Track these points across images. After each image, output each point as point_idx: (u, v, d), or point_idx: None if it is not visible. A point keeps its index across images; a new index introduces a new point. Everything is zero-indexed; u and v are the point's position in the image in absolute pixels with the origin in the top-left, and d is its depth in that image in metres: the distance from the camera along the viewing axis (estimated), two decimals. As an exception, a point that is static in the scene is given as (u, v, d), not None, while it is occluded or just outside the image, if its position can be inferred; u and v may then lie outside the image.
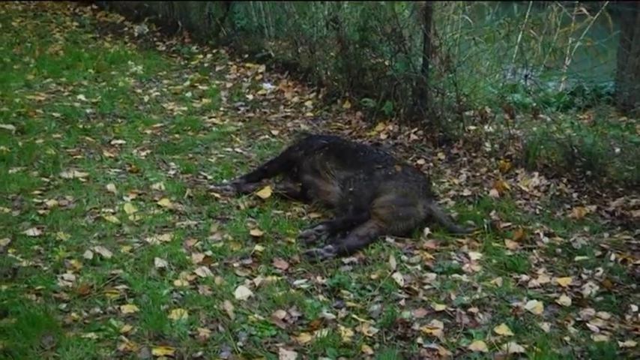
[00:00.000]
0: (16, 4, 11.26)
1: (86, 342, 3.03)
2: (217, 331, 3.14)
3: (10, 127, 5.79)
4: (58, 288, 3.47)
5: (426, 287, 3.55)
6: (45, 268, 3.66)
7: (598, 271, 3.74)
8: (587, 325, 3.27)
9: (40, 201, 4.45)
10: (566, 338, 3.17)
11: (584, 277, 3.71)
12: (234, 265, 3.73)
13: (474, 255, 3.85)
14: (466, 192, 4.57)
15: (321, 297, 3.43)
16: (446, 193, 4.54)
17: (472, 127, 5.19)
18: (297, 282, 3.57)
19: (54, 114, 6.17)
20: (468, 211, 4.32)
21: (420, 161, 4.99)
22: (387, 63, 5.68)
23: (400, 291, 3.50)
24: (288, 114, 6.19)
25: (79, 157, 5.25)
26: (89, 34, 9.31)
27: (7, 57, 8.10)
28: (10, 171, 4.88)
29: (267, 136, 5.68)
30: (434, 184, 4.49)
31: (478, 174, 4.79)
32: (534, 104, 5.24)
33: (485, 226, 4.08)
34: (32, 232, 4.02)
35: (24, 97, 6.62)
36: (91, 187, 4.68)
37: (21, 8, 11.02)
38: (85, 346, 2.99)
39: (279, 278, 3.59)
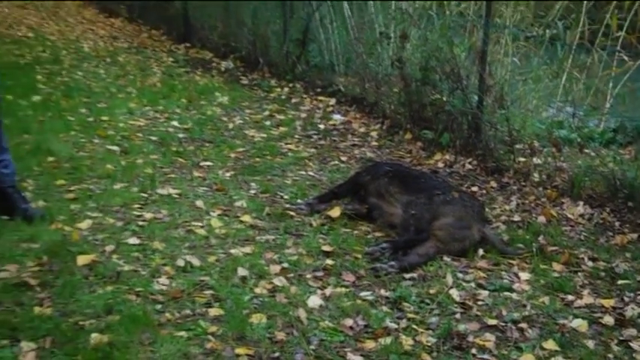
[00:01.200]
0: (121, 42, 11.49)
1: (178, 339, 3.06)
2: (292, 335, 3.13)
3: (115, 148, 5.88)
4: (155, 291, 3.51)
5: (480, 303, 3.49)
6: (143, 273, 3.70)
7: (639, 294, 3.63)
8: (630, 344, 3.17)
9: (140, 214, 4.50)
10: (610, 355, 3.09)
11: (626, 299, 3.61)
12: (307, 276, 3.71)
13: (524, 275, 3.77)
14: (516, 217, 4.51)
15: (384, 308, 3.39)
16: (497, 218, 4.48)
17: (522, 159, 5.13)
18: (363, 294, 3.53)
19: (152, 137, 6.24)
20: (517, 235, 4.26)
21: (474, 188, 4.95)
22: (445, 99, 5.67)
23: (456, 305, 3.44)
24: (356, 142, 6.17)
25: (172, 176, 5.29)
26: (182, 69, 9.41)
27: (114, 87, 8.23)
28: (114, 186, 4.96)
29: (336, 162, 5.68)
30: (487, 209, 4.42)
31: (527, 201, 4.72)
32: (579, 139, 5.16)
33: (534, 249, 4.01)
34: (133, 240, 4.07)
35: (127, 123, 6.71)
36: (182, 203, 4.72)
37: (126, 45, 11.23)
38: (177, 343, 3.02)
39: (347, 290, 3.57)
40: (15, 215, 4.29)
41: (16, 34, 11.91)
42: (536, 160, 5.06)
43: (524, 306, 3.47)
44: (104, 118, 6.83)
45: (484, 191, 4.92)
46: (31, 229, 4.14)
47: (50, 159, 5.48)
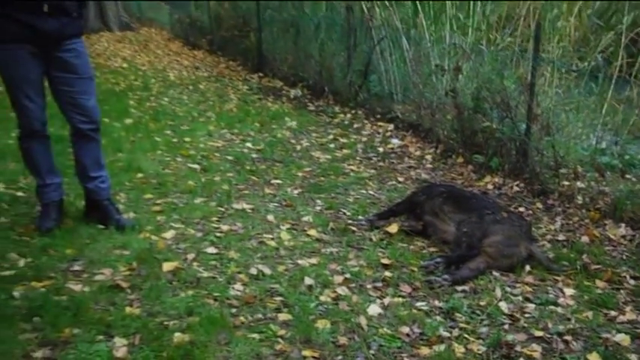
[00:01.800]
0: (202, 72, 11.64)
1: (251, 341, 3.08)
2: (354, 340, 3.12)
3: (196, 166, 5.96)
4: (230, 296, 3.53)
5: (527, 315, 3.42)
6: (220, 280, 3.73)
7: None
8: (672, 359, 3.06)
9: (217, 226, 4.54)
10: (652, 369, 2.98)
11: (667, 317, 3.48)
12: (368, 286, 3.69)
13: (568, 291, 3.68)
14: (561, 237, 4.41)
15: (438, 318, 3.36)
16: (543, 237, 4.39)
17: (566, 183, 5.02)
18: (418, 304, 3.51)
19: (228, 157, 6.29)
20: (562, 253, 4.17)
21: (521, 209, 4.87)
22: (495, 126, 5.61)
23: (504, 317, 3.39)
24: (412, 165, 6.14)
25: (246, 192, 5.32)
26: (256, 96, 9.49)
27: (195, 112, 8.35)
28: (195, 201, 5.02)
29: (394, 182, 5.64)
30: (533, 228, 4.33)
31: (571, 222, 4.62)
32: (621, 166, 5.04)
33: (578, 267, 3.93)
34: (211, 250, 4.12)
35: (206, 144, 6.79)
36: (255, 217, 4.74)
37: (206, 75, 11.38)
38: (250, 344, 3.04)
39: (404, 300, 3.54)
40: (109, 225, 4.37)
41: (113, 64, 12.19)
42: (579, 184, 4.95)
43: (569, 319, 3.39)
44: (186, 139, 6.92)
45: (530, 212, 4.83)
46: (122, 238, 4.22)
47: (139, 175, 5.59)
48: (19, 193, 5.06)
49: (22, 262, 3.87)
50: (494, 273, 3.85)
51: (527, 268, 3.91)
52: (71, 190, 4.75)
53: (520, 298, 3.62)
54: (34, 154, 4.34)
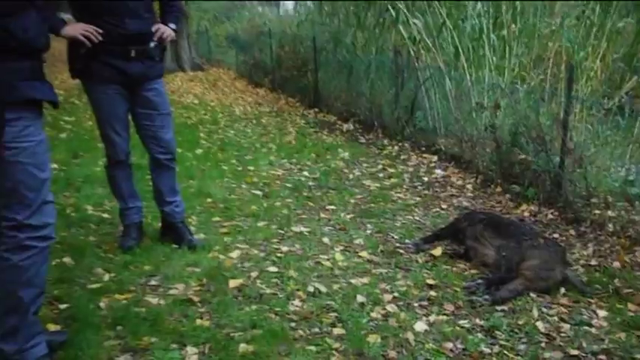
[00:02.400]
0: (264, 107, 11.76)
1: (309, 353, 3.08)
2: (402, 354, 3.10)
3: (258, 192, 5.99)
4: (290, 311, 3.53)
5: (562, 335, 3.34)
6: (281, 296, 3.72)
7: None
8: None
9: (278, 247, 4.54)
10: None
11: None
12: (414, 305, 3.66)
13: (601, 313, 3.58)
14: (593, 262, 4.31)
15: (479, 335, 3.31)
16: (577, 262, 4.30)
17: (597, 211, 4.90)
18: (461, 321, 3.45)
19: (287, 185, 6.31)
20: (595, 277, 4.07)
21: (555, 235, 4.77)
22: (531, 159, 5.53)
23: (541, 336, 3.32)
24: (454, 193, 6.08)
25: (303, 216, 5.32)
26: (312, 129, 9.54)
27: (258, 143, 8.42)
28: (258, 224, 5.03)
29: (438, 209, 5.58)
30: (567, 254, 4.23)
31: (602, 248, 4.50)
32: (650, 196, 4.94)
33: (610, 290, 3.82)
34: (272, 269, 4.12)
35: (268, 172, 6.82)
36: (312, 239, 4.73)
37: (268, 110, 11.49)
38: (307, 356, 3.04)
39: (448, 318, 3.50)
40: (182, 244, 4.41)
41: (185, 101, 12.40)
42: (610, 213, 4.83)
43: (603, 340, 3.30)
44: (250, 168, 6.98)
45: (564, 238, 4.73)
46: (194, 256, 4.26)
47: (209, 200, 5.63)
48: (105, 215, 5.15)
49: (106, 277, 3.92)
50: (532, 294, 3.78)
51: (562, 290, 3.83)
52: (149, 212, 4.80)
53: (556, 318, 3.54)
54: (118, 180, 4.41)
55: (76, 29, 3.90)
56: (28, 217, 2.68)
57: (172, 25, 4.28)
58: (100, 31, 3.91)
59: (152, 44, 4.13)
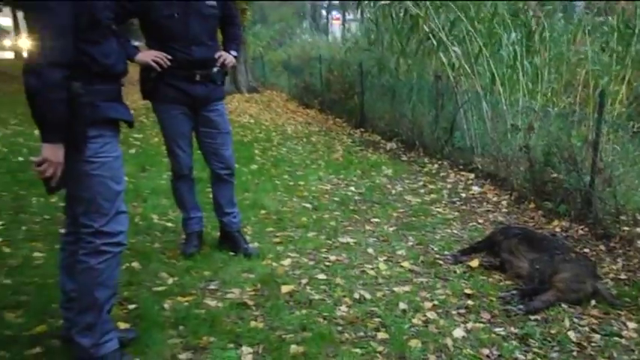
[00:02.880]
0: (314, 127, 11.78)
1: (354, 355, 3.08)
2: (441, 359, 3.09)
3: (308, 205, 6.01)
4: (337, 316, 3.53)
5: (593, 344, 3.28)
6: (328, 302, 3.73)
7: None
8: None
9: (326, 256, 4.55)
10: None
11: None
12: (453, 312, 3.63)
13: (631, 324, 3.50)
14: (622, 276, 4.21)
15: (514, 342, 3.27)
16: (606, 276, 4.21)
17: (626, 228, 4.80)
18: (496, 329, 3.42)
19: (335, 199, 6.31)
20: (624, 290, 3.98)
21: (586, 250, 4.68)
22: (562, 178, 5.46)
23: (573, 345, 3.27)
24: (490, 209, 6.01)
25: (350, 228, 5.32)
26: (358, 147, 9.53)
27: (308, 160, 8.46)
28: (308, 234, 5.06)
29: (474, 224, 5.53)
30: (597, 268, 4.15)
31: (631, 263, 4.40)
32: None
33: (639, 302, 3.75)
34: (321, 276, 4.13)
35: (317, 187, 6.84)
36: (357, 250, 4.73)
37: (317, 129, 11.50)
38: (353, 358, 3.06)
39: (484, 325, 3.46)
40: (238, 252, 4.46)
41: (242, 120, 12.51)
42: (638, 230, 4.74)
43: (633, 350, 3.23)
44: (301, 182, 7.00)
45: (594, 253, 4.64)
46: (249, 263, 4.30)
47: (263, 212, 5.68)
48: (169, 224, 5.23)
49: (170, 280, 3.99)
50: (563, 305, 3.71)
51: (593, 302, 3.75)
52: (209, 222, 4.85)
53: (587, 328, 3.48)
54: (182, 192, 4.49)
55: (148, 56, 4.02)
56: (104, 224, 2.76)
57: (233, 52, 4.34)
58: (169, 57, 4.02)
59: (215, 69, 4.21)
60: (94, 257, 2.77)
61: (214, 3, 4.19)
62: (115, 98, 2.84)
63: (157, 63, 4.01)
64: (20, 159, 7.80)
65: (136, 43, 4.43)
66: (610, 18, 7.50)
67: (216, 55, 4.22)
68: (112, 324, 2.94)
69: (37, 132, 2.68)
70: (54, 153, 2.60)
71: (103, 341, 2.84)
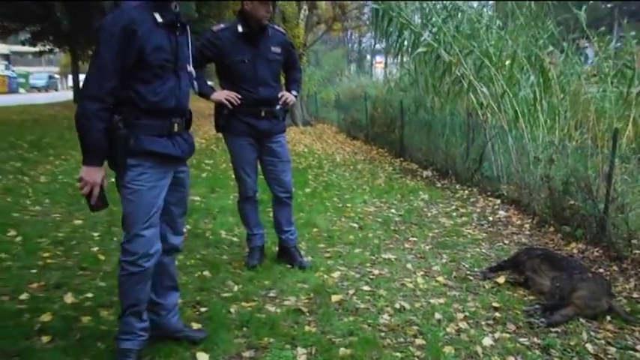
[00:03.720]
0: (359, 156, 11.79)
1: (395, 358, 3.12)
2: (471, 364, 3.03)
3: (354, 225, 6.03)
4: (380, 323, 3.54)
5: (609, 356, 3.22)
6: (372, 310, 3.74)
7: None
8: None
9: (370, 270, 4.57)
10: None
11: None
12: (482, 323, 3.61)
13: (644, 339, 3.43)
14: (635, 294, 4.11)
15: (536, 352, 3.24)
16: (620, 294, 4.12)
17: (637, 251, 4.68)
18: (521, 339, 3.38)
19: (378, 219, 6.32)
20: (637, 308, 3.88)
21: (601, 270, 4.58)
22: (579, 205, 5.37)
23: (590, 356, 3.22)
24: (514, 231, 5.93)
25: (391, 246, 5.32)
26: (398, 175, 9.52)
27: (354, 185, 8.47)
28: (354, 250, 5.08)
29: (501, 244, 5.47)
30: (612, 287, 4.06)
31: (643, 283, 4.32)
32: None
33: (652, 320, 3.67)
34: (366, 288, 4.15)
35: (362, 209, 6.87)
36: (397, 265, 4.73)
37: (362, 158, 11.54)
38: (394, 361, 3.00)
39: (510, 335, 3.43)
40: (294, 265, 4.51)
41: (297, 149, 12.64)
42: (649, 253, 4.65)
43: (647, 364, 3.16)
44: (348, 205, 7.04)
45: (608, 273, 4.54)
46: (303, 275, 4.35)
47: (315, 230, 5.73)
48: (235, 239, 5.32)
49: (235, 288, 4.05)
50: (581, 320, 3.66)
51: (608, 318, 3.68)
52: (269, 238, 4.91)
53: (603, 341, 3.41)
54: (246, 212, 4.58)
55: (221, 95, 4.17)
56: (125, 242, 2.82)
57: (294, 92, 4.44)
58: (239, 96, 4.15)
59: (278, 107, 4.30)
60: (119, 268, 2.86)
61: (278, 50, 4.28)
62: (162, 133, 2.82)
63: (228, 101, 4.16)
64: (112, 180, 8.01)
65: (210, 83, 4.56)
66: (615, 62, 7.38)
67: (279, 95, 4.32)
68: (132, 328, 2.92)
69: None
70: (89, 174, 2.67)
71: (122, 338, 2.93)
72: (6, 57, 55.01)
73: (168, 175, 2.90)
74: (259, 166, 4.50)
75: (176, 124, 2.87)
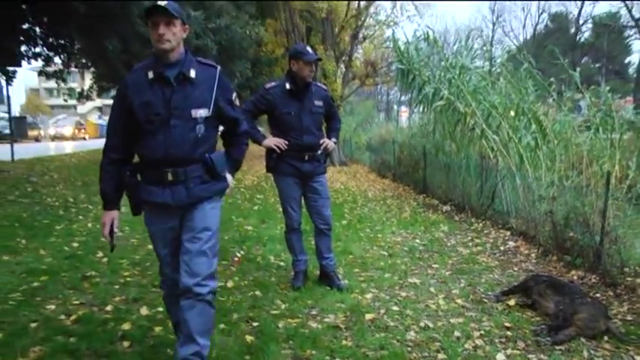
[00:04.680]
0: (388, 192, 11.73)
1: (419, 369, 3.06)
2: (486, 377, 3.03)
3: (384, 253, 6.05)
4: (407, 339, 3.56)
5: (607, 371, 3.16)
6: (401, 328, 3.76)
7: None
8: None
9: (398, 292, 4.58)
10: None
11: None
12: (496, 341, 3.60)
13: (638, 358, 3.38)
14: (628, 317, 4.05)
15: (543, 366, 3.19)
16: (615, 317, 4.05)
17: (629, 278, 4.61)
18: (530, 355, 3.39)
19: (404, 248, 6.33)
20: (630, 329, 3.83)
21: (597, 295, 4.53)
22: (578, 237, 5.32)
23: (590, 370, 3.15)
24: (522, 259, 5.88)
25: (416, 271, 5.32)
26: (421, 209, 9.50)
27: (384, 218, 8.48)
28: (384, 275, 5.10)
29: (511, 271, 5.43)
30: (608, 310, 3.98)
31: (635, 307, 4.22)
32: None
33: (644, 340, 3.61)
34: (395, 308, 4.17)
35: (391, 238, 6.89)
36: (422, 288, 4.73)
37: (391, 194, 11.51)
38: (418, 372, 3.02)
39: (520, 352, 3.43)
40: (333, 287, 4.54)
41: (334, 186, 12.61)
42: (639, 280, 4.56)
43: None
44: (379, 235, 7.06)
45: (604, 298, 4.48)
46: (341, 295, 4.39)
47: (350, 256, 5.77)
48: (282, 263, 5.39)
49: (283, 306, 4.09)
50: (582, 339, 3.62)
51: (605, 338, 3.64)
52: (311, 263, 4.94)
53: (601, 359, 3.38)
54: (292, 241, 4.64)
55: (271, 141, 4.30)
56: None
57: (334, 139, 4.53)
58: (286, 142, 4.27)
59: (319, 151, 4.39)
60: None
61: (321, 104, 4.37)
62: (158, 182, 2.64)
63: (277, 147, 4.28)
64: None
65: (260, 128, 4.66)
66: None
67: (321, 141, 4.41)
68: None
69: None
70: (103, 217, 2.72)
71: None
72: (99, 108, 61.31)
73: (171, 220, 2.71)
74: (303, 202, 4.57)
75: (169, 174, 2.61)
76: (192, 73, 2.58)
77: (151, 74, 2.56)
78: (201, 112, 2.59)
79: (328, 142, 4.41)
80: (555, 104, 7.92)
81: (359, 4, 21.53)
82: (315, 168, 4.38)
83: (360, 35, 23.34)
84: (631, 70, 39.77)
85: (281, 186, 4.46)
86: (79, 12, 8.27)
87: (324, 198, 4.47)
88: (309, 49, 4.27)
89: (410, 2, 28.51)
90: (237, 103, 2.82)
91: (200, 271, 2.62)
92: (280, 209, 4.71)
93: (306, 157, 4.29)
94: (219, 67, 2.70)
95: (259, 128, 4.69)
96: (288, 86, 4.25)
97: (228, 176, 2.84)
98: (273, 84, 4.39)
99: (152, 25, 2.52)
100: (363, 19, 22.04)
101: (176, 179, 2.61)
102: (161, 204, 2.64)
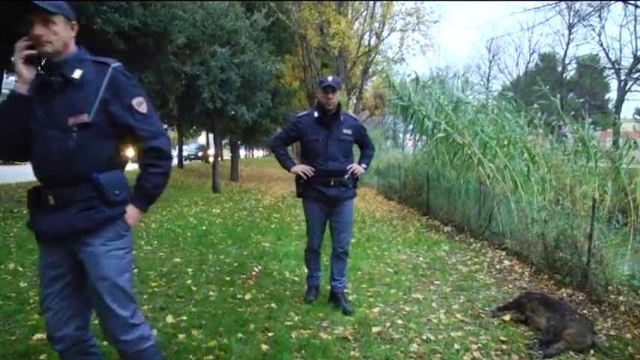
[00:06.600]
0: (394, 214, 11.69)
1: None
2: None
3: (390, 270, 6.00)
4: (410, 351, 3.56)
5: (593, 381, 3.14)
6: (404, 340, 3.75)
7: None
8: None
9: (403, 307, 4.56)
10: None
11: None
12: (492, 353, 3.59)
13: (620, 370, 3.36)
14: (612, 332, 4.05)
15: (535, 376, 3.17)
16: (600, 331, 4.05)
17: (613, 296, 4.61)
18: (522, 367, 3.34)
19: (408, 265, 6.32)
20: (614, 343, 3.82)
21: (584, 311, 4.51)
22: (567, 257, 5.32)
23: (578, 382, 3.13)
24: (516, 277, 5.86)
25: (419, 287, 5.30)
26: (424, 229, 9.45)
27: (390, 237, 8.37)
28: (390, 291, 5.07)
29: (506, 288, 5.41)
30: (594, 325, 3.98)
31: (618, 323, 4.22)
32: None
33: (626, 354, 3.61)
34: (399, 321, 4.17)
35: (396, 256, 6.86)
36: (425, 303, 4.71)
37: (396, 215, 11.48)
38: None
39: (515, 364, 3.38)
40: (339, 307, 4.41)
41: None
42: (621, 298, 4.52)
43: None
44: (385, 253, 7.03)
45: (591, 314, 4.47)
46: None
47: (359, 273, 5.73)
48: (296, 278, 5.34)
49: (296, 318, 4.05)
50: (571, 352, 3.62)
51: (592, 352, 3.64)
52: (323, 279, 4.92)
53: (588, 369, 3.36)
54: (310, 260, 4.60)
55: (299, 168, 4.26)
56: None
57: (364, 165, 4.34)
58: (312, 169, 4.22)
59: (346, 177, 4.20)
60: None
61: (349, 132, 4.22)
62: (40, 206, 2.04)
63: (304, 173, 4.24)
64: (203, 228, 8.28)
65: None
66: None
67: (348, 167, 4.20)
68: None
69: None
70: None
71: None
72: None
73: (56, 254, 2.06)
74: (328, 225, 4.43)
75: (50, 196, 1.98)
76: (77, 74, 1.98)
77: (37, 78, 2.03)
78: (81, 119, 1.95)
79: (356, 168, 4.24)
80: (543, 133, 8.00)
81: (369, 42, 21.87)
82: (342, 193, 4.21)
83: (370, 70, 23.63)
84: (610, 105, 40.21)
85: (307, 211, 4.30)
86: (119, 49, 8.57)
87: (346, 222, 4.29)
88: (329, 77, 4.16)
89: (414, 42, 28.88)
90: (145, 110, 2.07)
91: (114, 331, 2.15)
92: (296, 228, 4.72)
93: (332, 183, 4.16)
94: (115, 64, 2.06)
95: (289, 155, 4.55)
96: (316, 114, 4.20)
97: (132, 208, 2.13)
98: (303, 113, 4.30)
99: (29, 25, 1.93)
100: (372, 55, 22.35)
101: (58, 203, 1.98)
102: (40, 232, 2.02)
